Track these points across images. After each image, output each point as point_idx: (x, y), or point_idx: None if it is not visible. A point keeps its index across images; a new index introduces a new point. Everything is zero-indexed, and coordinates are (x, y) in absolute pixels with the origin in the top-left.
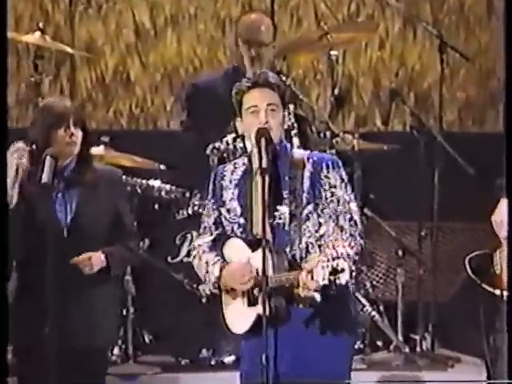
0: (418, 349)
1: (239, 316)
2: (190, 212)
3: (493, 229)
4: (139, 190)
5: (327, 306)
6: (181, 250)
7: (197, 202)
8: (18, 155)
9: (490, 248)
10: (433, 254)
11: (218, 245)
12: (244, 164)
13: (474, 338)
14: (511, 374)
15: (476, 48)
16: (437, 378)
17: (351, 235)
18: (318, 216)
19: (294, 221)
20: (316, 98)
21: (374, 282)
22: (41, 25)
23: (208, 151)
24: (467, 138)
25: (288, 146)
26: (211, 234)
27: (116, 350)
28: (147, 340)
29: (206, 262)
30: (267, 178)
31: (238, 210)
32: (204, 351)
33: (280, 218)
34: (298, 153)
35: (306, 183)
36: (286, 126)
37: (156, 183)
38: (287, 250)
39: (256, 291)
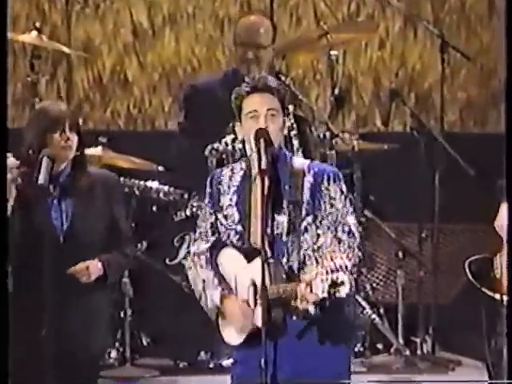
0: (418, 352)
1: (233, 329)
2: (189, 213)
3: (496, 233)
4: (137, 192)
5: (323, 316)
6: (179, 251)
7: (195, 204)
8: (10, 175)
9: (490, 252)
10: (433, 256)
11: (214, 254)
12: (242, 169)
13: (475, 341)
14: (511, 376)
15: (477, 47)
16: (438, 381)
17: (349, 247)
18: (317, 227)
19: (292, 232)
20: (316, 98)
21: (374, 285)
22: (37, 24)
23: (207, 152)
24: (468, 139)
25: (288, 153)
26: (207, 241)
27: (113, 353)
28: (145, 343)
29: (203, 281)
30: (266, 181)
31: (236, 217)
32: (202, 354)
33: (277, 228)
34: (299, 162)
35: (306, 194)
36: (285, 131)
37: (154, 184)
38: (284, 260)
39: (252, 304)
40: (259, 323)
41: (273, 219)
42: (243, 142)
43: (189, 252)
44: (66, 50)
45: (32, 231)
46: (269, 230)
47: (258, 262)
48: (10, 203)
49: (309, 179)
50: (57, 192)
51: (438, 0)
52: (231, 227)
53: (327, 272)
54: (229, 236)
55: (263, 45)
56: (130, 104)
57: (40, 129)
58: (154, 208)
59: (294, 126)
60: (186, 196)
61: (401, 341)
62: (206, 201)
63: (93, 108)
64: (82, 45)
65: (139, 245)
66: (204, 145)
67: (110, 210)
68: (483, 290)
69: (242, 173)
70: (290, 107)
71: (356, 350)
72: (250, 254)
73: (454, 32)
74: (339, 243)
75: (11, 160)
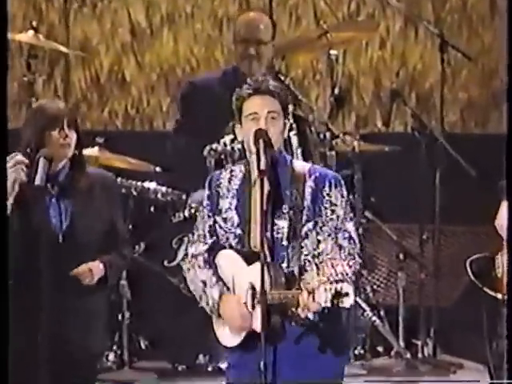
0: (419, 354)
1: (229, 331)
2: (187, 215)
3: (497, 232)
4: (134, 193)
5: (321, 322)
6: (177, 253)
7: (193, 205)
8: (15, 170)
9: (491, 251)
10: (434, 258)
11: (212, 256)
12: (241, 172)
13: (477, 344)
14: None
15: (479, 47)
16: None
17: (349, 254)
18: (317, 234)
19: (292, 237)
20: (315, 98)
21: (375, 287)
22: (34, 23)
23: (205, 153)
24: (469, 140)
25: (288, 157)
26: (205, 243)
27: (111, 356)
28: (143, 346)
29: (203, 282)
30: (266, 182)
31: (236, 221)
32: (201, 357)
33: (278, 233)
34: (299, 165)
35: (307, 200)
36: (286, 135)
37: (152, 185)
38: (284, 265)
39: (250, 307)
40: (258, 327)
41: (273, 223)
42: (242, 143)
43: (186, 254)
44: (63, 49)
45: (30, 231)
46: (269, 235)
47: (257, 265)
48: (10, 201)
49: (310, 184)
50: (55, 191)
51: None
52: (230, 231)
53: (331, 282)
54: (228, 239)
55: (264, 40)
56: (128, 104)
57: (38, 127)
58: (152, 209)
59: (294, 126)
60: (184, 197)
61: (401, 343)
62: (205, 203)
63: (90, 108)
64: (80, 44)
65: (137, 246)
66: (202, 145)
67: (108, 210)
68: (485, 289)
69: (241, 176)
70: (290, 107)
71: (356, 352)
72: (250, 258)
73: (455, 32)
74: (340, 250)
75: (19, 157)
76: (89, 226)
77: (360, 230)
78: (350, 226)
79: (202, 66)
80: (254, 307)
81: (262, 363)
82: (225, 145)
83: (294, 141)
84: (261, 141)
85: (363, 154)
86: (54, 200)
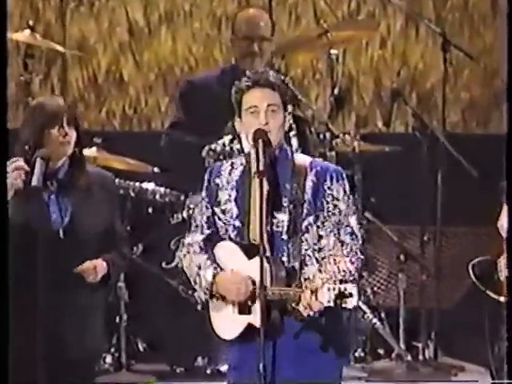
0: (420, 357)
1: (228, 322)
2: (185, 216)
3: (499, 233)
4: (132, 194)
5: (322, 320)
6: (175, 255)
7: (192, 206)
8: (14, 175)
9: (493, 254)
10: (436, 259)
11: (209, 245)
12: (242, 164)
13: (479, 346)
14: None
15: (480, 47)
16: None
17: (352, 250)
18: (318, 228)
19: (292, 231)
20: (315, 98)
21: (375, 288)
22: (31, 22)
23: (204, 153)
24: (471, 140)
25: (289, 150)
26: (202, 233)
27: (109, 359)
28: (141, 348)
29: (198, 266)
30: (265, 182)
31: (235, 212)
32: (199, 359)
33: (278, 226)
34: (301, 159)
35: (308, 194)
36: (286, 128)
37: (150, 186)
38: (284, 259)
39: (249, 300)
40: (257, 322)
41: (273, 217)
42: (240, 141)
43: (183, 244)
44: (60, 48)
45: (28, 231)
46: (268, 228)
47: (258, 260)
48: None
49: (311, 178)
50: (54, 188)
51: None
52: (229, 222)
53: (335, 281)
54: (227, 231)
55: (265, 37)
56: (126, 104)
57: (37, 125)
58: (150, 210)
59: (293, 126)
60: (182, 198)
61: (402, 346)
62: (204, 194)
63: (87, 108)
64: (77, 43)
65: (135, 248)
66: (201, 145)
67: (107, 209)
68: (487, 292)
69: (241, 168)
70: (289, 107)
71: (357, 355)
72: (250, 251)
73: (456, 31)
74: (342, 245)
75: (19, 163)
76: (89, 223)
77: (361, 230)
78: (353, 220)
79: (200, 65)
80: (253, 302)
81: (261, 365)
82: (224, 145)
83: (294, 141)
84: (260, 141)
85: (363, 154)
86: (53, 197)
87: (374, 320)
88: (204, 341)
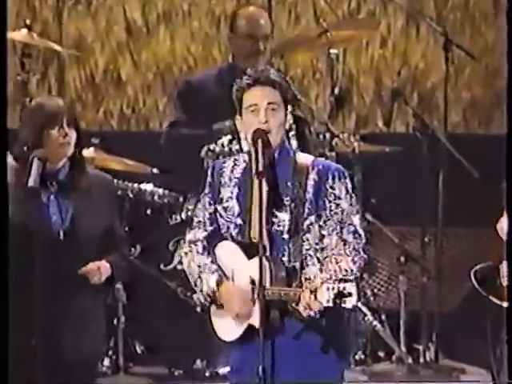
0: (421, 359)
1: (228, 324)
2: (184, 217)
3: (498, 236)
4: (131, 195)
5: (323, 321)
6: (174, 256)
7: (190, 207)
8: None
9: (495, 259)
10: (437, 261)
11: (211, 244)
12: (245, 161)
13: (480, 349)
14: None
15: (482, 46)
16: None
17: (354, 249)
18: (320, 227)
19: (293, 231)
20: (315, 98)
21: (376, 290)
22: (28, 21)
23: (202, 153)
24: (472, 140)
25: (291, 149)
26: (205, 230)
27: (106, 361)
28: (139, 350)
29: (199, 266)
30: (264, 183)
31: (236, 210)
32: (198, 362)
33: (279, 226)
34: (303, 157)
35: (310, 193)
36: (287, 126)
37: (148, 187)
38: (285, 259)
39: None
40: (256, 323)
41: (274, 216)
42: (239, 141)
43: (186, 241)
44: (57, 48)
45: (27, 232)
46: (270, 227)
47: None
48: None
49: (313, 177)
50: (55, 189)
51: None
52: (231, 220)
53: (334, 280)
54: (228, 229)
55: (268, 35)
56: (124, 104)
57: (37, 125)
58: (148, 211)
59: (293, 126)
60: (181, 199)
61: (403, 348)
62: (206, 190)
63: (85, 108)
64: (74, 43)
65: (133, 249)
66: (200, 145)
67: (107, 211)
68: (490, 298)
69: (244, 165)
70: (289, 107)
71: (357, 357)
72: (250, 251)
73: (457, 30)
74: (344, 245)
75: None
76: (89, 225)
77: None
78: (356, 219)
79: (199, 64)
80: (253, 302)
81: (260, 367)
82: (222, 146)
83: (293, 141)
84: (259, 141)
85: (363, 154)
86: (53, 198)
87: (375, 322)
88: (203, 343)
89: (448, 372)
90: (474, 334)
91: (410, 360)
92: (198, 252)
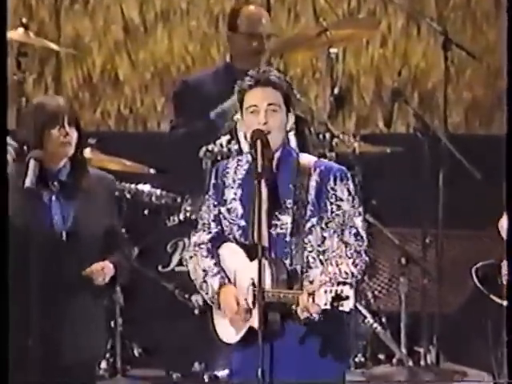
0: (422, 362)
1: (230, 326)
2: (182, 218)
3: (500, 235)
4: (128, 195)
5: (322, 324)
6: (172, 258)
7: (188, 208)
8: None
9: (497, 257)
10: (438, 263)
11: (216, 247)
12: (248, 162)
13: (481, 352)
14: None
15: (483, 45)
16: None
17: (356, 251)
18: (322, 229)
19: (295, 233)
20: (315, 97)
21: (376, 292)
22: (24, 20)
23: (201, 154)
24: (474, 141)
25: (293, 150)
26: (209, 232)
27: (103, 364)
28: (136, 353)
29: (204, 271)
30: (263, 184)
31: (239, 211)
32: (196, 365)
33: (282, 228)
34: (305, 159)
35: (312, 194)
36: (288, 128)
37: (146, 188)
38: (287, 262)
39: (251, 303)
40: (257, 325)
41: (277, 219)
42: (238, 142)
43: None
44: (54, 47)
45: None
46: (272, 230)
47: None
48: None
49: (315, 178)
50: (56, 190)
51: None
52: (234, 222)
53: (332, 283)
54: (232, 230)
55: (271, 34)
56: (121, 104)
57: (37, 124)
58: (146, 212)
59: (293, 126)
60: (179, 200)
61: (403, 351)
62: (210, 192)
63: (82, 108)
64: (71, 42)
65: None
66: (198, 145)
67: (109, 211)
68: (491, 296)
69: (247, 166)
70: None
71: (357, 360)
72: (252, 253)
73: (458, 29)
74: (346, 247)
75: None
76: (91, 226)
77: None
78: (358, 221)
79: (197, 64)
80: (254, 304)
81: (259, 370)
82: (221, 146)
83: (293, 142)
84: (258, 142)
85: (364, 155)
86: (54, 198)
87: (375, 324)
88: (201, 346)
89: (449, 375)
90: (475, 337)
91: (410, 363)
92: (202, 255)
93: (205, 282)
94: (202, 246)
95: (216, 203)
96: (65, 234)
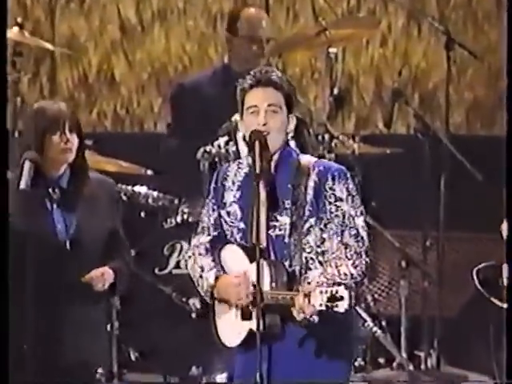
0: (422, 366)
1: (231, 329)
2: (179, 220)
3: (502, 238)
4: (124, 197)
5: (323, 327)
6: (169, 261)
7: (186, 210)
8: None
9: (498, 259)
10: (438, 266)
11: (215, 247)
12: (248, 165)
13: (482, 355)
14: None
15: (485, 45)
16: None
17: (356, 253)
18: (321, 230)
19: (294, 234)
20: (314, 98)
21: (376, 296)
22: (19, 19)
23: (199, 155)
24: (475, 142)
25: (293, 151)
26: (209, 235)
27: (99, 368)
28: (133, 357)
29: (201, 267)
30: (261, 185)
31: (239, 214)
32: (194, 369)
33: (280, 229)
34: (306, 159)
35: (310, 194)
36: (289, 129)
37: (142, 190)
38: (286, 263)
39: (251, 305)
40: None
41: (276, 220)
42: (236, 143)
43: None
44: (49, 46)
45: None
46: (271, 231)
47: (260, 263)
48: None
49: (313, 178)
50: (57, 197)
51: None
52: (234, 224)
53: (328, 284)
54: (232, 233)
55: (271, 37)
56: (118, 104)
57: (38, 130)
58: (143, 214)
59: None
60: (176, 202)
61: (404, 355)
62: (210, 196)
63: (78, 109)
64: (67, 41)
65: None
66: (195, 147)
67: (110, 216)
68: (492, 299)
69: (247, 169)
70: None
71: (357, 364)
72: (253, 255)
73: (460, 29)
74: (346, 249)
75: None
76: (93, 232)
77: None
78: (359, 221)
79: (194, 64)
80: (254, 306)
81: (257, 374)
82: (219, 147)
83: (291, 143)
84: (257, 143)
85: (364, 156)
86: (55, 206)
87: (375, 328)
88: (199, 350)
89: (450, 379)
90: (476, 341)
91: (411, 367)
92: (200, 254)
93: (201, 277)
94: (201, 245)
95: (215, 207)
96: (68, 243)
